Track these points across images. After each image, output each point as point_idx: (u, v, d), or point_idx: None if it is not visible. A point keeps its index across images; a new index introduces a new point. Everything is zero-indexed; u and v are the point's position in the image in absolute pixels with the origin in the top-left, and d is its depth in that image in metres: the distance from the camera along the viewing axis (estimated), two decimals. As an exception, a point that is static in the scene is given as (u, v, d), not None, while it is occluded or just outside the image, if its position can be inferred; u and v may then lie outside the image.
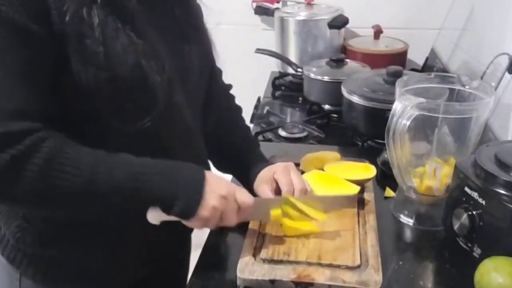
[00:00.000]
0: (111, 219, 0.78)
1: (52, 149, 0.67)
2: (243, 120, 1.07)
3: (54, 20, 0.68)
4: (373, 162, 1.10)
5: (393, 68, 1.27)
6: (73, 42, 0.69)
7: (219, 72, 1.03)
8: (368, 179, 1.03)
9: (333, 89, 1.42)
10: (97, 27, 0.70)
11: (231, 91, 1.07)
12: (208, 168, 0.96)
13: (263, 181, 0.93)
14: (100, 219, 0.78)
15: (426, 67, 1.73)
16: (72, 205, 0.71)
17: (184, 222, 0.77)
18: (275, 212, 0.85)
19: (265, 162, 0.99)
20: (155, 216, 0.75)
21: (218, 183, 0.77)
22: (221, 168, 1.04)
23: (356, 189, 0.96)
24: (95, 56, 0.70)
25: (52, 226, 0.81)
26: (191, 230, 0.94)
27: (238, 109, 1.07)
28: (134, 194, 0.72)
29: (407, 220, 0.96)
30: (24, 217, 0.81)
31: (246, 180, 0.97)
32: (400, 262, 0.85)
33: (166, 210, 0.75)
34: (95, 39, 0.70)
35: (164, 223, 0.77)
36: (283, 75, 1.82)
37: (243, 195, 0.80)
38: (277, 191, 0.91)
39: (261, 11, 1.89)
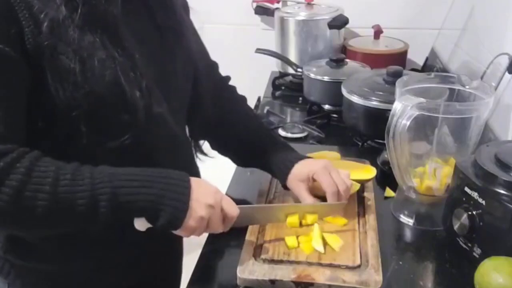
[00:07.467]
0: (99, 231, 0.76)
1: (28, 167, 0.64)
2: (252, 110, 1.06)
3: (28, 38, 0.64)
4: (373, 162, 1.10)
5: (393, 68, 1.27)
6: (48, 58, 0.66)
7: (210, 68, 0.97)
8: (368, 179, 1.03)
9: (333, 89, 1.42)
10: (73, 42, 0.67)
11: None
12: (198, 171, 0.95)
13: (299, 179, 0.92)
14: (87, 232, 0.76)
15: (426, 67, 1.73)
16: (51, 220, 0.68)
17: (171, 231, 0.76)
18: (291, 219, 0.86)
19: (296, 154, 0.98)
20: (141, 224, 0.74)
21: (205, 192, 0.75)
22: (243, 164, 1.03)
23: (356, 186, 0.97)
24: (71, 73, 0.67)
25: (40, 240, 0.79)
26: (180, 237, 0.94)
27: (244, 100, 1.06)
28: (118, 206, 0.69)
29: (407, 220, 0.96)
30: None
31: (278, 174, 0.96)
32: (400, 262, 0.85)
33: (151, 221, 0.73)
34: (71, 55, 0.66)
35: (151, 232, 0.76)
36: (283, 75, 1.82)
37: (229, 205, 0.78)
38: (312, 190, 0.92)
39: (261, 11, 1.88)
